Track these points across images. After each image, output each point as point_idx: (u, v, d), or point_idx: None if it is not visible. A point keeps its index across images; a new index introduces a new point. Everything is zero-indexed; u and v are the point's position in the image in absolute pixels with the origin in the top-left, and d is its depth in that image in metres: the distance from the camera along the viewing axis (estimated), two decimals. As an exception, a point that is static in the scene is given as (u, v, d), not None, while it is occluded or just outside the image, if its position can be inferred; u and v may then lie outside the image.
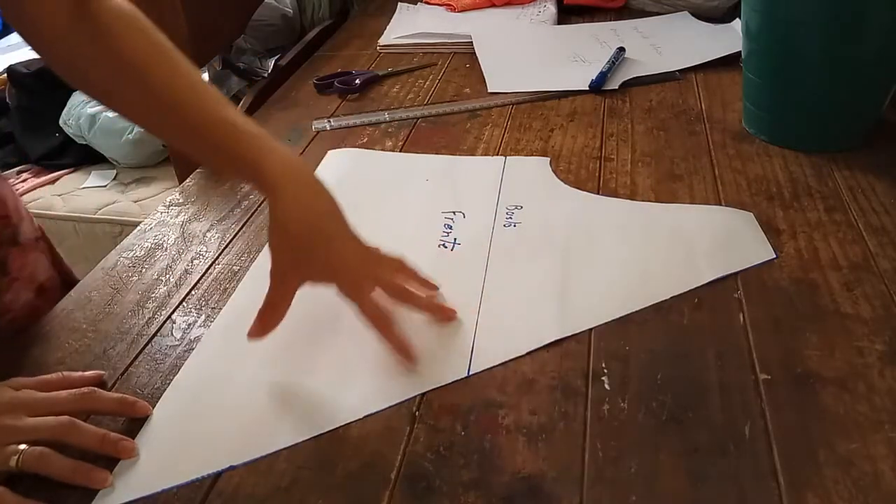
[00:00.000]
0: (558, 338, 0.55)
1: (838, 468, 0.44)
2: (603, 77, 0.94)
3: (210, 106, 0.53)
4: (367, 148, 0.85)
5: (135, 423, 0.50)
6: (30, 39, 0.53)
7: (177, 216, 0.74)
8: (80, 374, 0.53)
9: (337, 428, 0.49)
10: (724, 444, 0.46)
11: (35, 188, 1.49)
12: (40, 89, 1.58)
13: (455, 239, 0.67)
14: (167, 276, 0.65)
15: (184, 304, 0.62)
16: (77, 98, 1.57)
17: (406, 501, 0.44)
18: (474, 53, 1.07)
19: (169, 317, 0.60)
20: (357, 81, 1.00)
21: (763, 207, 0.68)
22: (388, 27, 1.20)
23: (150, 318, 0.60)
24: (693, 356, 0.53)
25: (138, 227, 0.73)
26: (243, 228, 0.71)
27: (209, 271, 0.66)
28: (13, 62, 1.65)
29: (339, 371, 0.54)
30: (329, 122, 0.91)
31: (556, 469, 0.45)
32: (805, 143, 0.77)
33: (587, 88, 0.94)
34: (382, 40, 1.15)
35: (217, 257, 0.67)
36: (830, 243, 0.63)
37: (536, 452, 0.46)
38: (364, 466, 0.46)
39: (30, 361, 0.56)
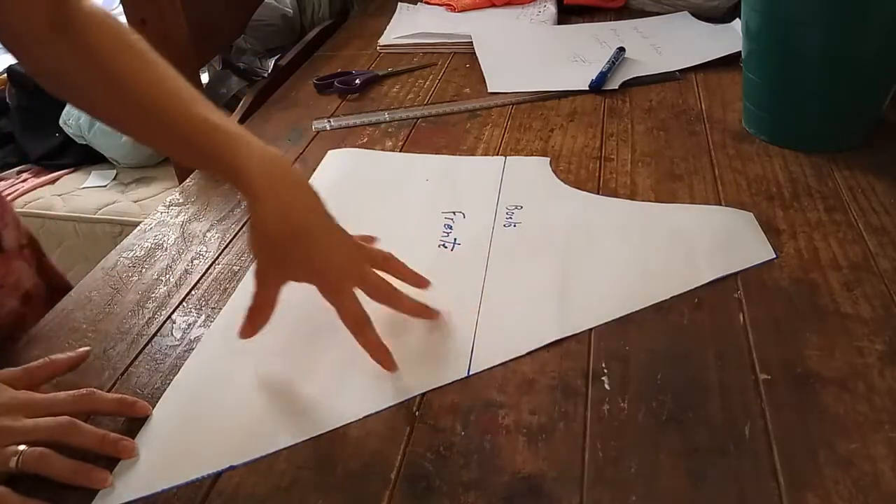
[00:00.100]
0: (558, 338, 0.55)
1: (838, 468, 0.44)
2: (603, 77, 0.94)
3: (188, 106, 0.53)
4: (367, 148, 0.85)
5: (135, 423, 0.50)
6: (8, 45, 0.53)
7: (177, 216, 0.74)
8: (65, 355, 0.53)
9: (337, 428, 0.49)
10: (724, 444, 0.46)
11: (35, 188, 1.49)
12: (40, 89, 1.58)
13: (455, 239, 0.67)
14: (167, 276, 0.65)
15: (184, 304, 0.62)
16: (77, 98, 1.56)
17: (406, 501, 0.44)
18: (474, 53, 1.07)
19: (169, 317, 0.60)
20: (357, 81, 1.00)
21: (763, 207, 0.68)
22: (388, 27, 1.20)
23: (150, 318, 0.60)
24: (693, 356, 0.53)
25: (138, 227, 0.73)
26: (243, 228, 0.71)
27: (209, 271, 0.66)
28: (13, 62, 1.65)
29: (340, 371, 0.54)
30: (329, 122, 0.91)
31: (556, 469, 0.45)
32: (805, 143, 0.77)
33: (587, 88, 0.94)
34: (382, 40, 1.15)
35: (217, 257, 0.67)
36: (830, 243, 0.63)
37: (536, 452, 0.46)
38: (364, 466, 0.46)
39: (29, 361, 0.56)
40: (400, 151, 0.84)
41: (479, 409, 0.50)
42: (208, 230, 0.71)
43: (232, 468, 0.47)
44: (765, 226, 0.65)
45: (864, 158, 0.75)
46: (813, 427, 0.47)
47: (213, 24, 1.03)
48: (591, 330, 0.55)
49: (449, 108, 0.92)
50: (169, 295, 0.63)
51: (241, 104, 1.09)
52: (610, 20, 1.20)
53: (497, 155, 0.81)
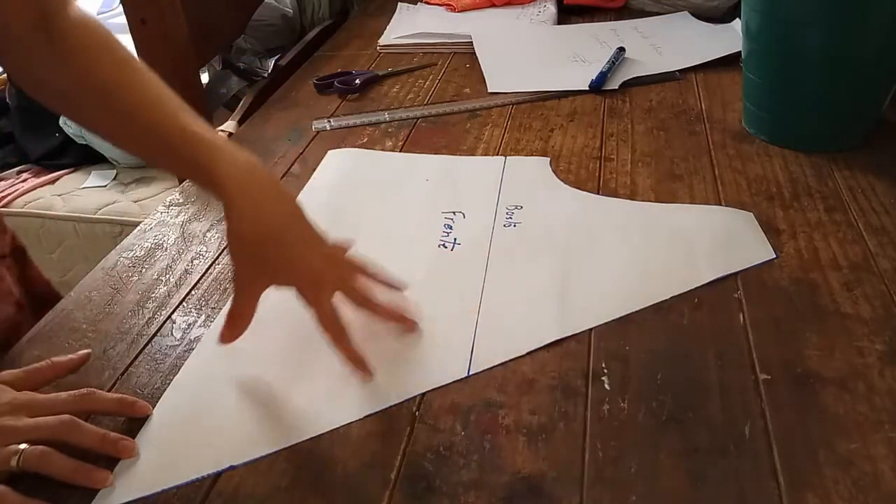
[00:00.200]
0: (558, 338, 0.55)
1: (838, 468, 0.44)
2: (603, 77, 0.94)
3: (169, 116, 0.53)
4: (367, 148, 0.85)
5: (135, 423, 0.50)
6: None
7: (177, 216, 0.74)
8: (67, 357, 0.53)
9: (337, 428, 0.49)
10: (724, 444, 0.46)
11: (35, 188, 1.49)
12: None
13: (455, 239, 0.67)
14: (167, 276, 0.65)
15: (184, 304, 0.62)
16: (77, 98, 1.56)
17: (406, 501, 0.44)
18: (474, 53, 1.07)
19: (169, 317, 0.60)
20: (357, 81, 1.00)
21: (763, 207, 0.68)
22: (388, 27, 1.20)
23: (150, 318, 0.60)
24: (693, 356, 0.53)
25: (138, 227, 0.73)
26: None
27: (209, 271, 0.66)
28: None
29: (340, 371, 0.54)
30: (329, 122, 0.91)
31: (556, 469, 0.45)
32: (805, 143, 0.77)
33: (587, 88, 0.94)
34: (382, 40, 1.15)
35: (217, 257, 0.67)
36: (830, 243, 0.63)
37: (536, 452, 0.46)
38: (364, 466, 0.46)
39: (30, 362, 0.56)
40: (400, 151, 0.84)
41: (479, 409, 0.50)
42: (208, 230, 0.71)
43: (232, 468, 0.47)
44: (765, 226, 0.65)
45: (864, 158, 0.75)
46: (813, 427, 0.47)
47: (213, 24, 1.04)
48: (591, 330, 0.55)
49: (449, 108, 0.92)
50: (169, 295, 0.63)
51: (241, 104, 1.09)
52: (610, 20, 1.20)
53: (497, 155, 0.81)
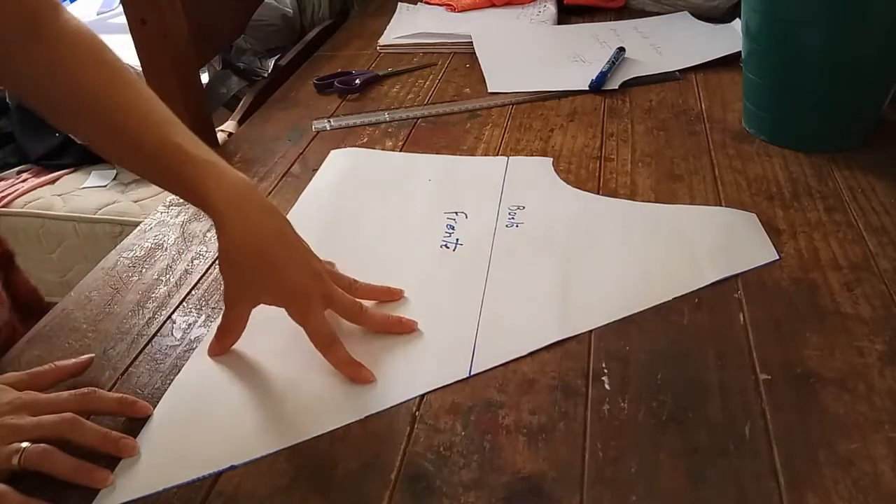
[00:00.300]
0: (560, 339, 0.55)
1: (838, 468, 0.44)
2: (603, 77, 0.94)
3: (158, 129, 0.53)
4: (367, 148, 0.85)
5: (135, 423, 0.50)
6: None
7: (177, 216, 0.74)
8: (71, 361, 0.53)
9: (337, 428, 0.49)
10: (724, 444, 0.46)
11: (35, 188, 1.49)
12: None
13: (457, 239, 0.67)
14: (167, 276, 0.65)
15: (184, 304, 0.62)
16: (77, 98, 1.56)
17: (406, 501, 0.44)
18: (474, 53, 1.07)
19: (169, 317, 0.60)
20: (357, 81, 1.00)
21: (763, 207, 0.68)
22: (388, 27, 1.20)
23: (150, 318, 0.60)
24: (693, 356, 0.53)
25: (138, 227, 0.73)
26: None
27: (209, 271, 0.66)
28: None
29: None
30: (329, 122, 0.91)
31: (556, 469, 0.45)
32: (805, 143, 0.77)
33: (587, 88, 0.94)
34: (382, 40, 1.15)
35: (217, 257, 0.67)
36: (830, 243, 0.63)
37: (536, 452, 0.46)
38: (364, 466, 0.46)
39: (30, 362, 0.56)
40: (400, 151, 0.84)
41: (479, 409, 0.50)
42: (208, 230, 0.71)
43: (232, 468, 0.47)
44: (765, 226, 0.65)
45: (864, 158, 0.75)
46: (813, 427, 0.47)
47: (213, 24, 1.03)
48: (591, 330, 0.55)
49: (449, 108, 0.92)
50: (169, 295, 0.63)
51: (241, 104, 1.09)
52: (610, 20, 1.20)
53: (497, 155, 0.81)
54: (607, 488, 0.44)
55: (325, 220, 0.71)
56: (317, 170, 0.81)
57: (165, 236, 0.71)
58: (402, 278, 0.61)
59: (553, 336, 0.55)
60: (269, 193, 0.77)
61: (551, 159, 0.79)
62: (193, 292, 0.63)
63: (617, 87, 0.94)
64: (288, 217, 0.56)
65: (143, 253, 0.69)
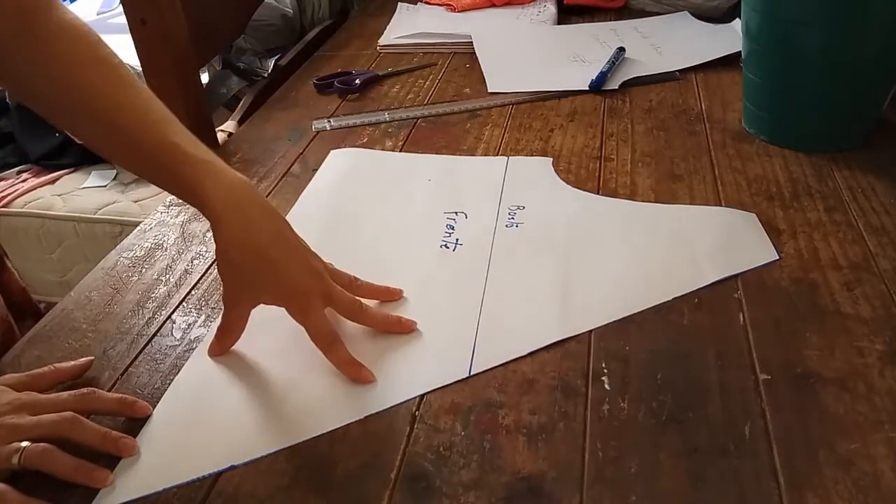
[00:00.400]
0: (560, 339, 0.55)
1: (838, 468, 0.44)
2: (603, 77, 0.94)
3: (155, 129, 0.52)
4: (367, 148, 0.85)
5: (135, 423, 0.50)
6: None
7: (177, 216, 0.74)
8: (70, 364, 0.53)
9: (337, 428, 0.49)
10: (724, 444, 0.46)
11: (35, 188, 1.49)
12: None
13: (457, 239, 0.67)
14: (167, 276, 0.65)
15: (184, 304, 0.62)
16: (77, 98, 1.56)
17: (406, 501, 0.44)
18: (474, 53, 1.07)
19: (169, 317, 0.60)
20: (357, 81, 1.00)
21: (763, 207, 0.68)
22: (388, 27, 1.20)
23: (150, 318, 0.60)
24: (693, 356, 0.53)
25: (138, 227, 0.73)
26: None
27: (209, 271, 0.66)
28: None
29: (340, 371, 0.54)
30: (329, 122, 0.91)
31: (556, 469, 0.45)
32: (805, 143, 0.77)
33: (587, 88, 0.94)
34: (382, 40, 1.15)
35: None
36: (830, 243, 0.63)
37: (536, 452, 0.46)
38: (364, 466, 0.46)
39: (30, 362, 0.56)
40: (400, 151, 0.84)
41: (479, 409, 0.50)
42: (208, 230, 0.71)
43: (232, 468, 0.47)
44: (765, 226, 0.65)
45: (864, 158, 0.75)
46: (813, 427, 0.47)
47: (213, 24, 1.03)
48: (591, 330, 0.55)
49: (449, 108, 0.92)
50: (169, 295, 0.63)
51: (241, 104, 1.09)
52: (610, 20, 1.20)
53: (497, 155, 0.81)
54: (607, 488, 0.44)
55: (325, 220, 0.71)
56: (317, 170, 0.81)
57: (165, 236, 0.71)
58: (401, 278, 0.61)
59: (553, 336, 0.55)
60: (269, 193, 0.77)
61: (551, 159, 0.79)
62: (193, 292, 0.63)
63: (617, 87, 0.94)
64: (288, 217, 0.56)
65: (142, 253, 0.69)
